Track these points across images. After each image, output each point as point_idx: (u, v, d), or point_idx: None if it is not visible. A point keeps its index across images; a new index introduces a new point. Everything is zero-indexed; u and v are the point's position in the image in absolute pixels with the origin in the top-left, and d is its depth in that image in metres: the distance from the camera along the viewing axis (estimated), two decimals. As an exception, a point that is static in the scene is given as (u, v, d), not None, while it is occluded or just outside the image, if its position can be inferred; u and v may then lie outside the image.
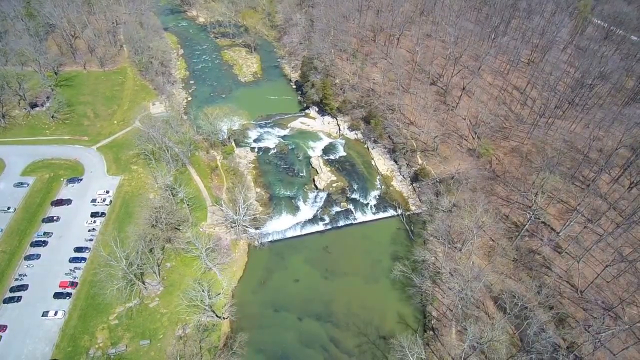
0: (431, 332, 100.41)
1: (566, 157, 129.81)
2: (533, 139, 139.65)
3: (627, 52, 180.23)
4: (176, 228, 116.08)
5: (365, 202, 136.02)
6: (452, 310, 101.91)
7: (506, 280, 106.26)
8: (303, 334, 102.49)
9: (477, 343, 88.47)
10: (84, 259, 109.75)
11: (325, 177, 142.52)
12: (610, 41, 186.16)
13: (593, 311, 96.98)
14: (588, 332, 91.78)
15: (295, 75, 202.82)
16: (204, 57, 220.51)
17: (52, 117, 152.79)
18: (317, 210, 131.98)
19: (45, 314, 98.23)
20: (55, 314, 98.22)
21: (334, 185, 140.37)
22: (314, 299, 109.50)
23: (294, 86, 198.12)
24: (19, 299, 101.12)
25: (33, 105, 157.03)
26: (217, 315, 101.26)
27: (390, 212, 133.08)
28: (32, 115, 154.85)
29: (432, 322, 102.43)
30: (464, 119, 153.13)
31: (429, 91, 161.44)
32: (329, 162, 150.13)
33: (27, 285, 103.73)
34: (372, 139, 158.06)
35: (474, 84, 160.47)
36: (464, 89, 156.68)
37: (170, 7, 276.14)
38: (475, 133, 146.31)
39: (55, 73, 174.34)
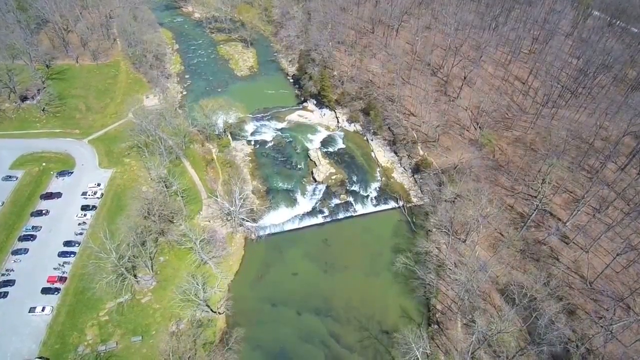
0: (436, 326, 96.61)
1: (571, 146, 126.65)
2: (536, 128, 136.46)
3: (628, 42, 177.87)
4: (170, 220, 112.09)
5: (365, 194, 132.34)
6: (457, 303, 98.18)
7: (512, 272, 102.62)
8: (302, 329, 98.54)
9: (486, 336, 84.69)
10: (73, 253, 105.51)
11: (324, 169, 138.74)
12: (612, 32, 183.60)
13: (603, 302, 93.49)
14: (598, 324, 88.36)
15: (292, 69, 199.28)
16: (199, 52, 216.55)
17: (43, 110, 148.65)
18: (316, 203, 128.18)
19: (32, 310, 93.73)
20: (43, 310, 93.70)
21: (333, 177, 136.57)
22: (313, 293, 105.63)
23: (291, 80, 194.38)
24: (5, 294, 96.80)
25: (23, 99, 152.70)
26: (212, 310, 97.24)
27: (391, 204, 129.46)
28: (22, 109, 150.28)
29: (437, 315, 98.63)
30: (466, 110, 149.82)
31: (429, 82, 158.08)
32: (327, 155, 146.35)
33: (14, 281, 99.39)
34: (372, 130, 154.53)
35: (475, 74, 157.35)
36: (464, 79, 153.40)
37: (166, 3, 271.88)
38: (477, 123, 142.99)
39: (47, 66, 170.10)
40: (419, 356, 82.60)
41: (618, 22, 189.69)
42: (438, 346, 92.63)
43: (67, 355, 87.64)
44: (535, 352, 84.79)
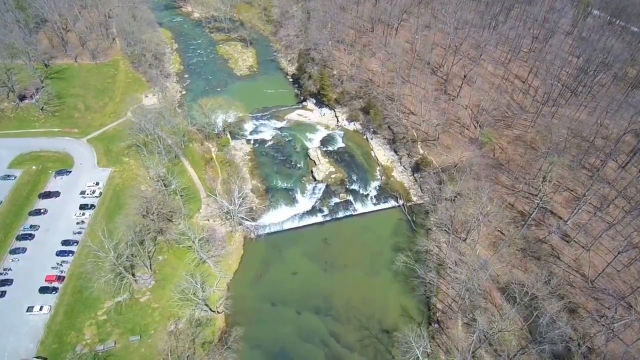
0: (436, 325, 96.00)
1: (572, 145, 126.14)
2: (537, 127, 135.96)
3: (628, 41, 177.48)
4: (169, 219, 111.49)
5: (365, 193, 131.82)
6: (457, 302, 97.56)
7: (513, 271, 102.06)
8: (302, 328, 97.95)
9: (487, 335, 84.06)
10: (71, 252, 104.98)
11: (324, 168, 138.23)
12: (612, 31, 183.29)
13: (605, 301, 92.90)
14: (600, 322, 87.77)
15: (291, 69, 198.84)
16: (198, 51, 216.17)
17: (42, 109, 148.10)
18: (316, 202, 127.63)
19: (30, 309, 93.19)
20: (41, 309, 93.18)
21: (332, 176, 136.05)
22: (313, 293, 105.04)
23: (291, 79, 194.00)
24: (3, 293, 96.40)
25: (22, 98, 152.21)
26: (211, 309, 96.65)
27: (391, 203, 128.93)
28: (21, 108, 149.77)
29: (437, 314, 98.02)
30: (466, 108, 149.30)
31: (429, 81, 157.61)
32: (327, 154, 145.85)
33: (12, 280, 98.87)
34: (371, 129, 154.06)
35: (475, 72, 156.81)
36: (464, 77, 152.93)
37: (165, 3, 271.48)
38: (477, 122, 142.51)
39: (46, 65, 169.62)
40: (419, 355, 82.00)
41: (618, 20, 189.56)
42: (439, 345, 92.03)
43: (65, 355, 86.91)
44: (536, 350, 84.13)
